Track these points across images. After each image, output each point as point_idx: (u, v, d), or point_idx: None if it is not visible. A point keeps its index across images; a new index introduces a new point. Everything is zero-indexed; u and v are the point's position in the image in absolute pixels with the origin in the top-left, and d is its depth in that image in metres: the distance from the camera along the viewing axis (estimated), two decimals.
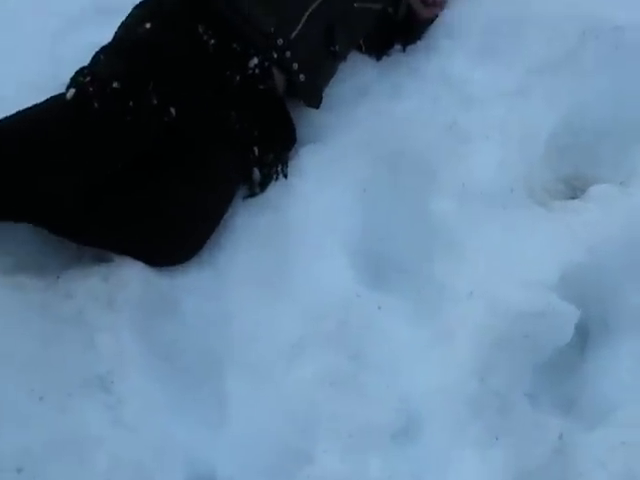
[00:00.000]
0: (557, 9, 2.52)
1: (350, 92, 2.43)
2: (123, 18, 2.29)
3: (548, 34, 2.47)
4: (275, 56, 2.24)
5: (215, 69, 2.18)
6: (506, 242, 2.12)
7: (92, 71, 2.08)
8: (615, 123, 2.43)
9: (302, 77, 2.29)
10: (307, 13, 2.29)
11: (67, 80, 2.16)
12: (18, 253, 2.04)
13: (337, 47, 2.37)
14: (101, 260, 2.04)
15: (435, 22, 2.59)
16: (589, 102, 2.44)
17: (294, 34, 2.26)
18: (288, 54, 2.25)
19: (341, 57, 2.45)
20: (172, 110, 2.07)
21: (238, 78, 2.19)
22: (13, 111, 2.02)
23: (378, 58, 2.58)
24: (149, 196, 2.05)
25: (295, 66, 2.27)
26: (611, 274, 2.09)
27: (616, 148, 2.42)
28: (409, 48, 2.58)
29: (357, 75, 2.49)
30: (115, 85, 2.00)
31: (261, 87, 2.25)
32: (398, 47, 2.59)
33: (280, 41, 2.24)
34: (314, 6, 2.30)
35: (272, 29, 2.23)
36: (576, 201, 2.29)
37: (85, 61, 2.27)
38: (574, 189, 2.36)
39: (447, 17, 2.59)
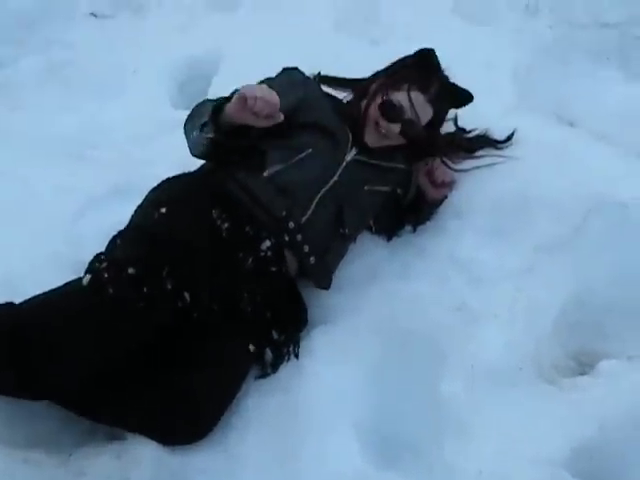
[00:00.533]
0: (562, 186, 2.58)
1: (360, 273, 2.49)
2: (140, 200, 2.41)
3: (554, 212, 2.52)
4: (287, 239, 2.31)
5: (228, 252, 2.24)
6: (515, 421, 2.13)
7: (108, 257, 2.17)
8: (622, 299, 2.44)
9: (312, 259, 2.35)
10: (318, 197, 2.37)
11: (84, 260, 2.25)
12: (32, 428, 2.09)
13: (347, 229, 2.44)
14: (114, 437, 2.08)
15: (444, 202, 2.67)
16: (596, 279, 2.45)
17: (305, 218, 2.33)
18: (299, 237, 2.32)
19: (351, 238, 2.52)
20: (186, 295, 2.13)
21: (251, 260, 2.25)
22: (27, 288, 2.13)
23: (389, 239, 2.65)
24: (163, 378, 2.09)
25: (306, 248, 2.33)
26: (621, 450, 2.07)
27: (623, 323, 2.42)
28: (419, 228, 2.65)
29: (367, 255, 2.56)
30: (131, 271, 2.07)
31: (273, 269, 2.30)
32: (408, 228, 2.66)
33: (291, 224, 2.31)
34: (324, 190, 2.39)
35: (283, 213, 2.30)
36: (585, 377, 2.29)
37: (103, 242, 2.37)
38: (583, 365, 2.36)
39: (455, 197, 2.67)
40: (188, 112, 3.25)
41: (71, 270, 2.33)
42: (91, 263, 2.20)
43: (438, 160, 2.68)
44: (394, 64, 2.72)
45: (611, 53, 3.33)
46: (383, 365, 2.25)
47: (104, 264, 2.11)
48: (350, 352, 2.25)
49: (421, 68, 2.64)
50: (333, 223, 2.41)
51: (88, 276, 2.10)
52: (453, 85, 2.67)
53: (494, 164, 2.69)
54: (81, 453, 2.03)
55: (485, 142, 2.82)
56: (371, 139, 2.56)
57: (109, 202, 2.73)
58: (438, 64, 2.66)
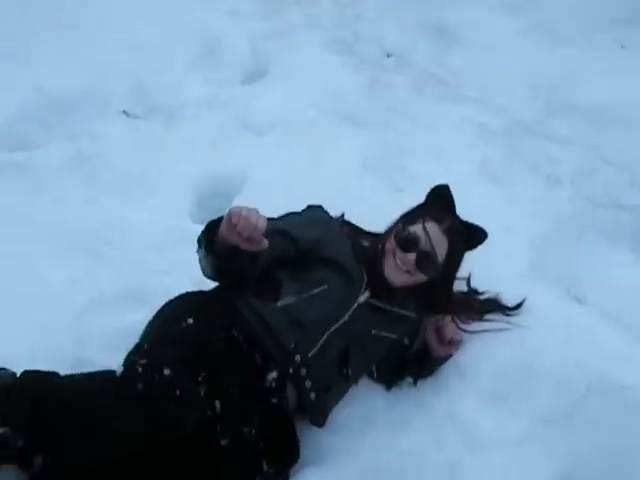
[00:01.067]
0: (566, 360, 2.59)
1: (358, 418, 2.47)
2: (149, 308, 2.42)
3: (555, 385, 2.52)
4: (291, 371, 2.31)
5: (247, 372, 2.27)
6: None
7: (147, 354, 2.16)
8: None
9: (313, 395, 2.34)
10: (327, 334, 2.38)
11: (85, 357, 2.27)
12: None
13: (350, 370, 2.45)
14: None
15: (448, 361, 2.68)
16: (588, 457, 2.42)
17: (312, 353, 2.34)
18: (303, 371, 2.32)
19: (352, 380, 2.51)
20: (217, 404, 2.12)
21: (252, 391, 2.26)
22: None
23: (388, 388, 2.65)
24: None
25: (308, 384, 2.33)
26: None
27: None
28: (420, 382, 2.65)
29: (366, 402, 2.55)
30: (166, 372, 2.04)
31: (274, 401, 2.31)
32: (409, 380, 2.66)
33: (298, 357, 2.32)
34: (334, 328, 2.40)
35: (292, 345, 2.31)
36: None
37: (107, 342, 2.37)
38: None
39: (460, 357, 2.68)
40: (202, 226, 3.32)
41: (70, 366, 2.32)
42: (129, 355, 2.22)
43: (449, 318, 2.70)
44: (412, 209, 2.77)
45: (625, 235, 3.40)
46: None
47: (142, 360, 2.09)
48: None
49: (436, 203, 2.70)
50: (337, 362, 2.42)
51: (122, 368, 2.09)
52: (467, 223, 2.71)
53: (502, 330, 2.71)
54: None
55: (495, 307, 2.85)
56: (390, 273, 2.58)
57: (117, 304, 2.74)
58: (452, 200, 2.71)
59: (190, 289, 2.54)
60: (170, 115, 3.97)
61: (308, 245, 2.45)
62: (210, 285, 2.50)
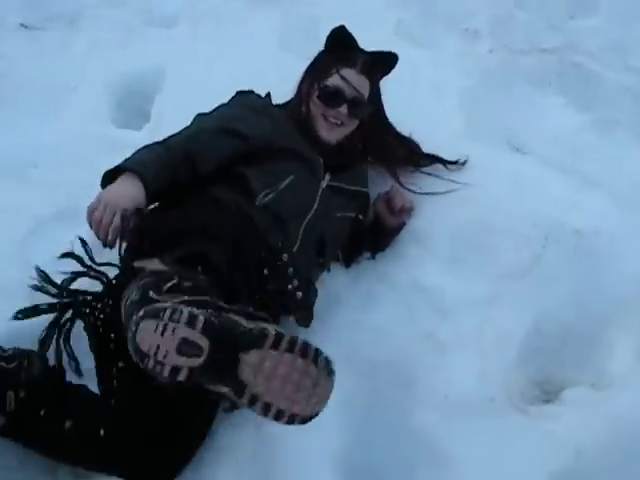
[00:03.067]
0: (520, 214, 2.60)
1: (323, 302, 2.41)
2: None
3: (513, 240, 2.53)
4: (280, 272, 2.20)
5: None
6: (490, 451, 2.12)
7: None
8: (577, 326, 2.46)
9: (299, 295, 2.23)
10: (303, 226, 2.31)
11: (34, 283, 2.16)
12: None
13: (326, 257, 2.42)
14: (77, 476, 1.99)
15: (403, 229, 2.65)
16: (553, 306, 2.47)
17: (295, 248, 2.26)
18: (290, 270, 2.21)
19: (325, 267, 2.48)
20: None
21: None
22: None
23: (347, 265, 2.62)
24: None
25: (295, 283, 2.22)
26: (596, 478, 2.07)
27: (581, 351, 2.44)
28: (378, 256, 2.63)
29: (328, 283, 2.50)
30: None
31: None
32: (367, 255, 2.64)
33: (285, 256, 2.20)
34: (307, 219, 2.33)
35: (279, 244, 2.20)
36: (551, 406, 2.30)
37: (54, 266, 2.27)
38: (548, 393, 2.36)
39: (414, 223, 2.66)
40: (128, 130, 3.20)
41: (23, 296, 2.23)
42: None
43: (396, 186, 2.69)
44: (314, 59, 2.70)
45: (551, 79, 3.39)
46: (354, 395, 2.20)
47: None
48: None
49: (337, 46, 2.62)
50: (315, 252, 2.37)
51: None
52: (375, 53, 2.64)
53: (452, 191, 2.69)
54: None
55: (436, 159, 2.83)
56: (326, 133, 2.54)
57: (57, 226, 2.63)
58: (352, 37, 2.64)
59: None
60: (71, 21, 3.78)
61: (259, 138, 2.34)
62: None
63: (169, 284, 1.79)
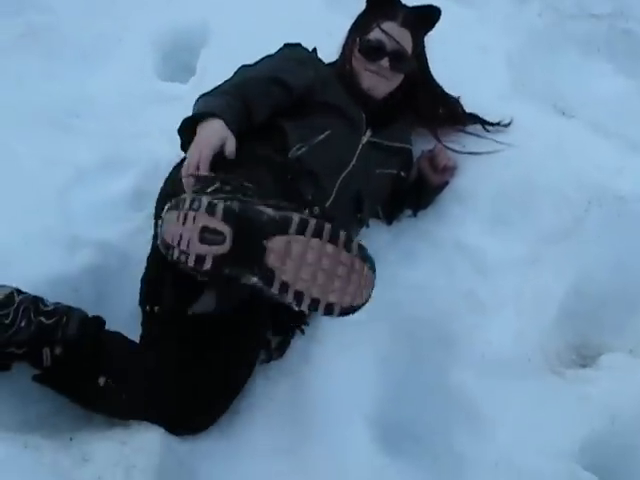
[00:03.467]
0: (563, 176, 2.58)
1: None
2: (132, 173, 2.40)
3: (556, 202, 2.52)
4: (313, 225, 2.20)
5: None
6: (526, 413, 2.12)
7: None
8: (619, 291, 2.46)
9: None
10: (339, 181, 2.28)
11: (76, 234, 2.23)
12: (25, 412, 2.01)
13: (363, 214, 2.40)
14: (114, 424, 2.00)
15: (446, 188, 2.65)
16: (593, 270, 2.46)
17: (328, 202, 2.23)
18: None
19: (364, 223, 2.47)
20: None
21: None
22: (19, 264, 2.13)
23: (389, 223, 2.62)
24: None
25: None
26: (632, 443, 2.08)
27: (620, 316, 2.44)
28: (420, 214, 2.63)
29: (369, 240, 2.46)
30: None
31: None
32: (408, 213, 2.64)
33: (316, 209, 2.14)
34: (345, 174, 2.30)
35: (309, 197, 2.17)
36: (589, 370, 2.29)
37: (95, 216, 2.29)
38: (585, 358, 2.36)
39: (457, 182, 2.66)
40: (173, 83, 3.19)
41: (63, 245, 2.28)
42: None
43: (440, 145, 2.68)
44: (357, 17, 2.69)
45: (600, 45, 3.35)
46: (392, 352, 2.22)
47: None
48: (358, 339, 2.20)
49: (381, 3, 2.60)
50: (352, 208, 2.35)
51: None
52: (417, 7, 2.61)
53: (495, 152, 2.69)
54: (82, 438, 1.95)
55: (478, 120, 2.83)
56: (370, 87, 2.53)
57: (99, 175, 2.62)
58: None
59: (168, 148, 2.44)
60: None
61: (303, 90, 2.32)
62: None
63: (212, 188, 1.79)
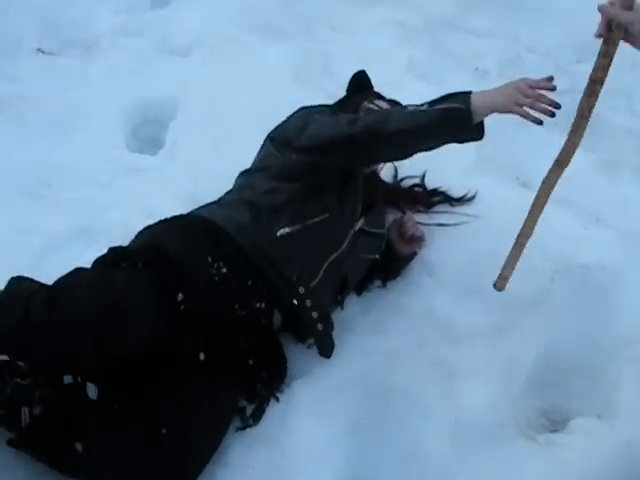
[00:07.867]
0: (529, 246, 2.57)
1: (335, 328, 2.42)
2: (105, 242, 2.33)
3: (522, 272, 2.55)
4: (295, 303, 2.24)
5: (223, 298, 2.17)
6: (499, 476, 2.14)
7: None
8: (583, 359, 2.50)
9: (320, 326, 2.29)
10: (326, 263, 2.32)
11: None
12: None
13: (344, 296, 2.48)
14: None
15: (415, 259, 2.70)
16: (560, 338, 2.52)
17: (313, 283, 2.27)
18: (308, 303, 2.25)
19: (340, 304, 2.52)
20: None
21: (244, 313, 2.19)
22: None
23: (358, 293, 2.64)
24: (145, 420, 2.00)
25: (315, 315, 2.27)
26: None
27: (587, 382, 2.47)
28: (390, 284, 2.67)
29: (340, 311, 2.53)
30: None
31: (263, 321, 2.25)
32: (378, 283, 2.68)
33: (301, 289, 2.24)
34: (333, 257, 2.35)
35: (294, 277, 2.23)
36: (560, 435, 2.32)
37: None
38: (555, 422, 2.39)
39: (425, 253, 2.73)
40: (142, 155, 3.22)
41: None
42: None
43: (408, 214, 2.73)
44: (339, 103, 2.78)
45: (559, 119, 3.44)
46: (366, 419, 2.23)
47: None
48: (332, 405, 2.23)
49: (362, 87, 2.79)
50: (336, 290, 2.42)
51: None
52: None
53: (462, 223, 2.78)
54: None
55: (444, 198, 2.92)
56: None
57: (72, 243, 2.67)
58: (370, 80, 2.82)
59: (141, 218, 2.45)
60: (87, 47, 3.82)
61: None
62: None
63: None
